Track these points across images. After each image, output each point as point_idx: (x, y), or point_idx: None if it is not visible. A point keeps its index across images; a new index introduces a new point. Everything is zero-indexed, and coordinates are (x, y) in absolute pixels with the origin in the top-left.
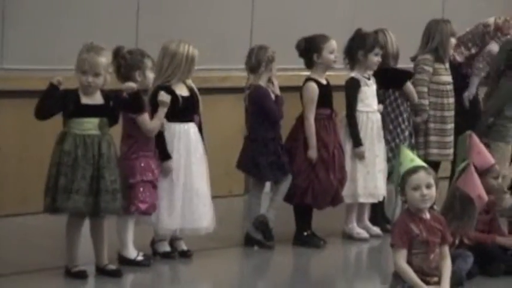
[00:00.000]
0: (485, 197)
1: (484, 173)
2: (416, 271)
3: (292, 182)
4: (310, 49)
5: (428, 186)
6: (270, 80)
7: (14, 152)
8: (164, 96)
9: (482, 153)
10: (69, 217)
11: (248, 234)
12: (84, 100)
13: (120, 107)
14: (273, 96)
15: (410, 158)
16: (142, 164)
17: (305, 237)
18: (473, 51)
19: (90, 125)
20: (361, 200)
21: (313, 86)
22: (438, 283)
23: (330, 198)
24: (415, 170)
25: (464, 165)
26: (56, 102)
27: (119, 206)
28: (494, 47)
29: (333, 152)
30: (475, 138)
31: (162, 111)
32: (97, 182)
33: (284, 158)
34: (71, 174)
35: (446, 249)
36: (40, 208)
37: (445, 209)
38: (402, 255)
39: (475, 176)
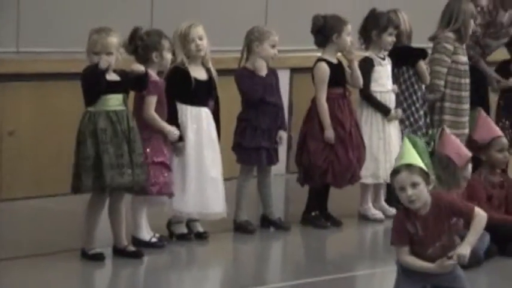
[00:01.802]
0: (466, 154)
1: (486, 146)
2: None
3: (310, 163)
4: (329, 28)
5: (413, 185)
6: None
7: (29, 135)
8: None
9: (485, 126)
10: (92, 196)
11: (264, 215)
12: (108, 77)
13: (127, 83)
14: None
15: (401, 155)
16: (153, 145)
17: (312, 217)
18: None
19: (116, 101)
20: (382, 180)
21: (324, 66)
22: None
23: (349, 177)
24: (397, 170)
25: (439, 131)
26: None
27: (145, 179)
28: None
29: (350, 130)
30: (483, 113)
31: (164, 127)
32: (130, 156)
33: (265, 144)
34: (114, 150)
35: (475, 214)
36: (55, 190)
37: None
38: (404, 252)
39: (451, 136)
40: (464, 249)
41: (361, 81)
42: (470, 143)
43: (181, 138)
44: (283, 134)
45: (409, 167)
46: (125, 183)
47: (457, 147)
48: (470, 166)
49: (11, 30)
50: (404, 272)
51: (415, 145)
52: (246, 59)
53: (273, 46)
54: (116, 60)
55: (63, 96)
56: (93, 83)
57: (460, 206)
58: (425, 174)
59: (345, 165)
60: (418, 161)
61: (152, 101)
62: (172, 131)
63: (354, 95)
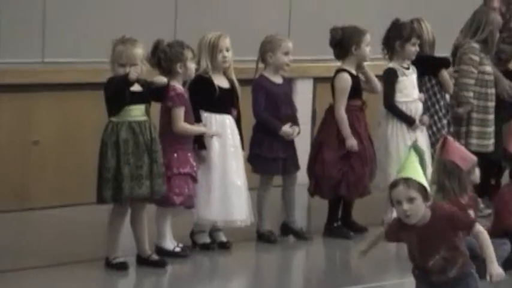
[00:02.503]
0: (471, 157)
1: None
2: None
3: (323, 173)
4: (347, 40)
5: (410, 200)
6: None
7: (52, 145)
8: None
9: None
10: (115, 206)
11: (285, 223)
12: (131, 88)
13: (149, 93)
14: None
15: (402, 167)
16: (178, 157)
17: (334, 228)
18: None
19: (139, 112)
20: None
21: (346, 76)
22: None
23: (361, 190)
24: (395, 183)
25: (442, 140)
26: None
27: (165, 189)
28: None
29: (364, 143)
30: None
31: (199, 130)
32: (151, 166)
33: (282, 154)
34: (134, 161)
35: (475, 230)
36: (78, 200)
37: (438, 190)
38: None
39: (454, 143)
40: (495, 267)
41: (377, 83)
42: (505, 155)
43: (204, 146)
44: (295, 129)
45: (407, 181)
46: (143, 193)
47: (462, 152)
48: (477, 171)
49: (36, 40)
50: (419, 281)
51: (421, 156)
52: (264, 69)
53: (286, 53)
54: (139, 71)
55: (87, 106)
56: (118, 94)
57: (460, 218)
58: (423, 190)
59: (359, 177)
60: (418, 175)
61: (180, 113)
62: (208, 129)
63: (377, 106)
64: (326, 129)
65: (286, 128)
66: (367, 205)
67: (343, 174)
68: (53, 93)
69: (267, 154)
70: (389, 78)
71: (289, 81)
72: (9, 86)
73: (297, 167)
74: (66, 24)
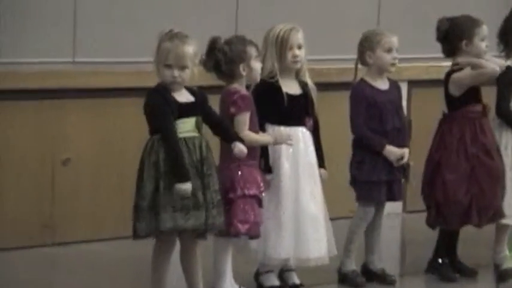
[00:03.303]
0: None
1: None
2: None
3: (447, 198)
4: (456, 33)
5: None
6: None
7: (87, 164)
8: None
9: None
10: (157, 241)
11: (365, 265)
12: (179, 98)
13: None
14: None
15: None
16: (243, 175)
17: (439, 265)
18: None
19: (188, 126)
20: None
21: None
22: None
23: (491, 214)
24: None
25: None
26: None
27: (223, 222)
28: None
29: (493, 156)
30: None
31: (267, 139)
32: (203, 193)
33: (387, 177)
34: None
35: None
36: (117, 233)
37: None
38: None
39: None
40: None
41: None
42: None
43: (270, 169)
44: (406, 151)
45: None
46: (189, 227)
47: None
48: None
49: (65, 35)
50: None
51: None
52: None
53: (389, 50)
54: (190, 75)
55: (128, 117)
56: (162, 113)
57: None
58: None
59: (490, 199)
60: None
61: (245, 119)
62: (282, 134)
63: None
64: (443, 144)
65: (393, 149)
66: (473, 239)
67: (472, 198)
68: (85, 100)
69: (367, 177)
70: (507, 79)
71: (397, 86)
72: (32, 92)
73: (401, 194)
74: (102, 16)
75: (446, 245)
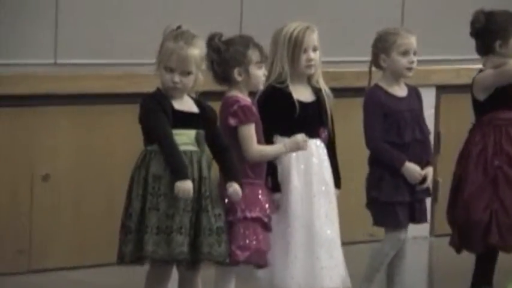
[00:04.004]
0: None
1: None
2: None
3: (467, 217)
4: (491, 31)
5: None
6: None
7: (69, 181)
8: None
9: None
10: (151, 268)
11: None
12: (177, 105)
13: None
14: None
15: None
16: (245, 195)
17: None
18: None
19: (185, 138)
20: None
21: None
22: None
23: None
24: None
25: None
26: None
27: (225, 251)
28: None
29: None
30: None
31: (280, 149)
32: (198, 217)
33: (408, 197)
34: (166, 208)
35: None
36: (101, 259)
37: None
38: None
39: None
40: None
41: None
42: None
43: (278, 187)
44: (429, 171)
45: None
46: (174, 255)
47: None
48: None
49: (47, 33)
50: None
51: None
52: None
53: (405, 53)
54: (194, 81)
55: (117, 126)
56: (156, 117)
57: None
58: None
59: None
60: None
61: (250, 132)
62: (295, 138)
63: None
64: (465, 155)
65: (413, 168)
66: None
67: (492, 214)
68: (69, 107)
69: (387, 198)
70: None
71: (416, 92)
72: (8, 98)
73: (425, 215)
74: (87, 12)
75: (486, 272)
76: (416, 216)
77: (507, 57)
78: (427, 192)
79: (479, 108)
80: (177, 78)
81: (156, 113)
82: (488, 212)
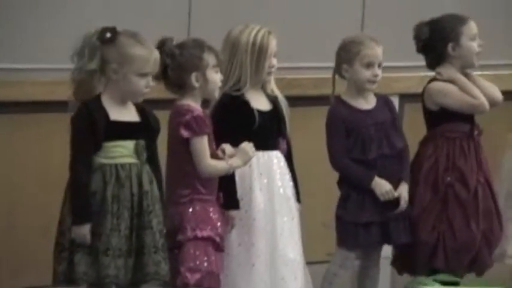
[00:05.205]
0: None
1: None
2: None
3: (413, 235)
4: (439, 37)
5: None
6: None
7: (3, 196)
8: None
9: None
10: None
11: None
12: (115, 115)
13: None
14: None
15: None
16: (195, 212)
17: None
18: None
19: (123, 151)
20: None
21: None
22: None
23: (468, 259)
24: None
25: None
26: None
27: (167, 270)
28: None
29: (476, 189)
30: None
31: (230, 165)
32: (138, 235)
33: (378, 217)
34: (101, 226)
35: None
36: (39, 281)
37: None
38: None
39: None
40: None
41: (496, 91)
42: None
43: (236, 204)
44: (403, 190)
45: None
46: (118, 274)
47: None
48: None
49: None
50: None
51: None
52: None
53: (369, 65)
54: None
55: (56, 137)
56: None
57: None
58: None
59: (464, 241)
60: None
61: (204, 145)
62: (244, 147)
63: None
64: (415, 171)
65: (383, 182)
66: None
67: (439, 235)
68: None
69: (352, 218)
70: None
71: (387, 102)
72: None
73: (405, 234)
74: (21, 15)
75: None
76: (393, 237)
77: (462, 60)
78: (404, 211)
79: (432, 119)
80: (151, 81)
81: (82, 138)
82: (435, 233)
